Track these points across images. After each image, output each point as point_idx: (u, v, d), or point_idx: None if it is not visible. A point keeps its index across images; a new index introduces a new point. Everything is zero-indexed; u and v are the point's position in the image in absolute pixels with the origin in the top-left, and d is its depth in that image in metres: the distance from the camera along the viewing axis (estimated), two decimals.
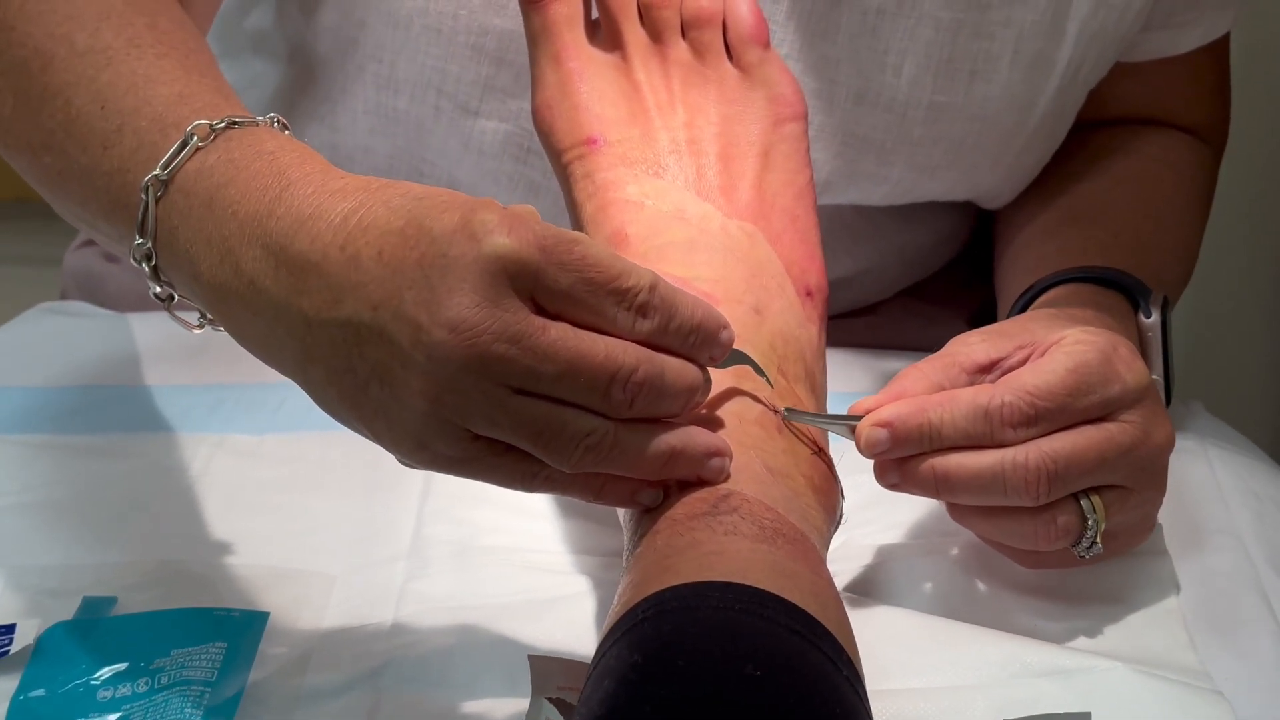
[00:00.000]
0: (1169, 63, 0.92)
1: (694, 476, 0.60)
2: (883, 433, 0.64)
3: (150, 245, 0.61)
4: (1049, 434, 0.64)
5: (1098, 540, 0.65)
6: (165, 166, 0.61)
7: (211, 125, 0.61)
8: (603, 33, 0.73)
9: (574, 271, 0.56)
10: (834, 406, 0.70)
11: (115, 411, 0.86)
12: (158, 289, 0.62)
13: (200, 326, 0.64)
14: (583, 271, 0.56)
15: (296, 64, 0.91)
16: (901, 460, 0.65)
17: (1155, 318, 0.79)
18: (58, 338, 0.96)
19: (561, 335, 0.55)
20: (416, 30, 0.83)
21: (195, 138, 0.61)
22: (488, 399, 0.55)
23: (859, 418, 0.65)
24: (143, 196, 0.61)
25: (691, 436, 0.60)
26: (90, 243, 1.07)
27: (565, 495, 0.60)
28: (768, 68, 0.72)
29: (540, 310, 0.56)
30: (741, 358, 0.63)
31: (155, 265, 0.62)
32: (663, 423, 0.59)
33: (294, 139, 0.62)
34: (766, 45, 0.72)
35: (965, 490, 0.64)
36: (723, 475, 0.61)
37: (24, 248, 2.35)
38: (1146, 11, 0.87)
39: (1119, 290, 0.80)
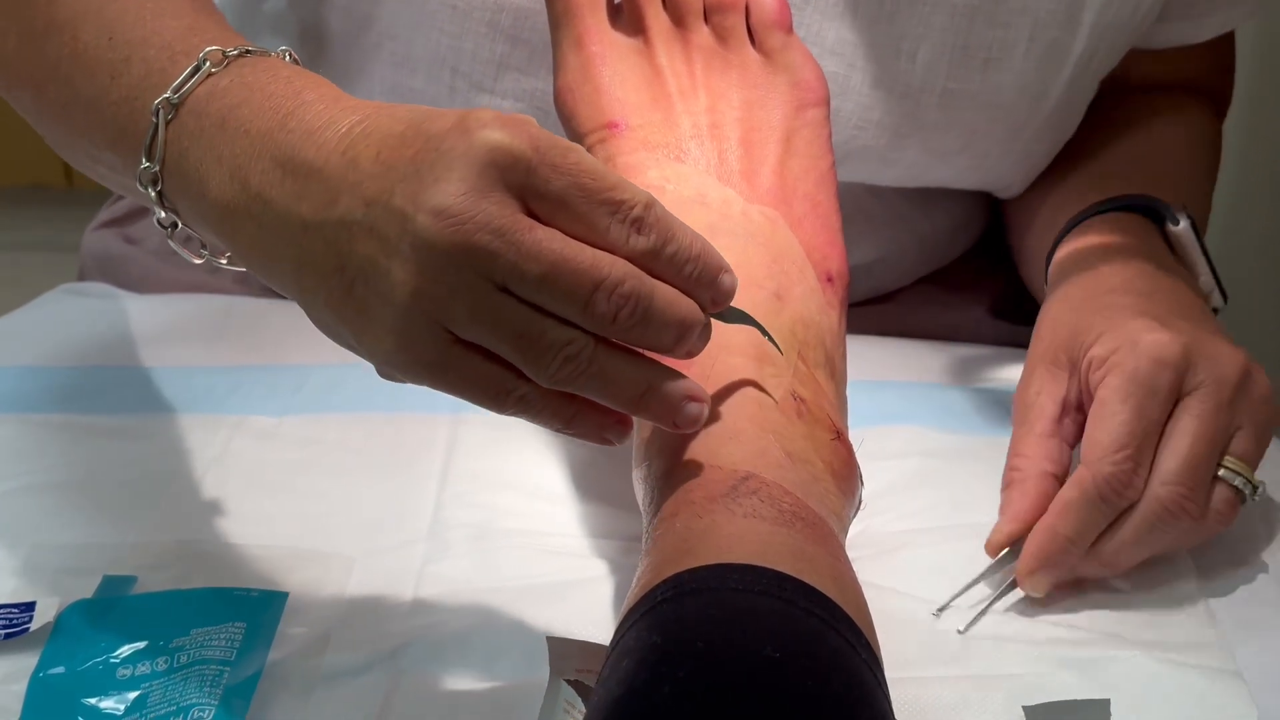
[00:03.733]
0: (1186, 46, 0.93)
1: (669, 422, 0.59)
2: (1044, 577, 0.69)
3: (157, 169, 0.61)
4: (1153, 461, 0.68)
5: (1255, 486, 0.70)
6: (176, 90, 0.61)
7: (224, 52, 0.61)
8: (625, 17, 0.73)
9: (568, 176, 0.55)
10: (853, 393, 0.69)
11: (135, 392, 0.86)
12: (161, 215, 0.62)
13: (203, 259, 0.64)
14: (576, 177, 0.55)
15: (310, 43, 0.91)
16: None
17: (1184, 223, 0.81)
18: (78, 318, 0.96)
19: (548, 236, 0.54)
20: (433, 6, 0.83)
21: (208, 63, 0.61)
22: (471, 292, 0.54)
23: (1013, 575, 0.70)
24: (153, 119, 0.61)
25: (671, 374, 0.58)
26: (108, 224, 1.07)
27: (537, 422, 0.58)
28: (790, 53, 0.72)
29: (531, 215, 0.55)
30: (747, 319, 0.62)
31: (160, 191, 0.62)
32: (646, 357, 0.58)
33: (308, 70, 0.62)
34: (789, 30, 0.72)
35: (1140, 556, 0.70)
36: (698, 423, 0.59)
37: (40, 233, 2.35)
38: (1160, 5, 0.87)
39: (1139, 213, 0.82)
